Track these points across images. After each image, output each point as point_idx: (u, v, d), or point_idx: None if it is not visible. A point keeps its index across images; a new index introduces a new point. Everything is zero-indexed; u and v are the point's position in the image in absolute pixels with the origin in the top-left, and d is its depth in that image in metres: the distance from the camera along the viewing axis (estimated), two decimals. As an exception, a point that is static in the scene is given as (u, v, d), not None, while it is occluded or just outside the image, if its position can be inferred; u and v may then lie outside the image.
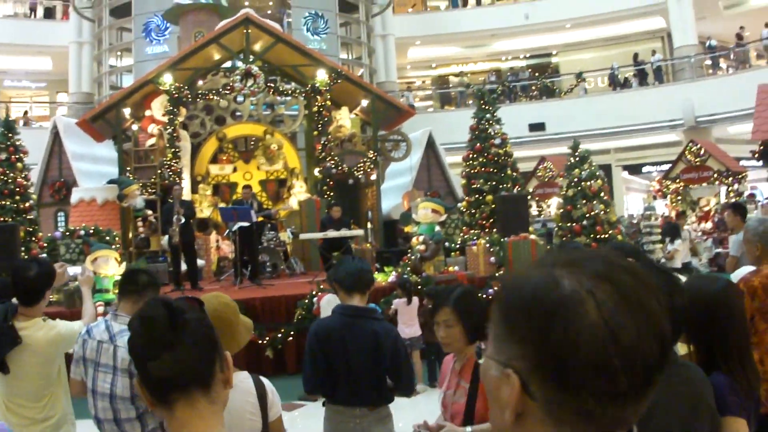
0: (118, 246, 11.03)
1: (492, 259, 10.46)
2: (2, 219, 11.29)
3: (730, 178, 17.20)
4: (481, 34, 27.07)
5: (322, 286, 8.67)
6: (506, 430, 0.83)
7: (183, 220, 10.38)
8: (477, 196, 13.11)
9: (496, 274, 10.15)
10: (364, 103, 15.19)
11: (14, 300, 3.49)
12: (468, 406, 2.71)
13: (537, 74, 27.20)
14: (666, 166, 20.53)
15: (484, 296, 9.48)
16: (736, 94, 19.36)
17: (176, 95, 13.79)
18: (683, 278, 2.45)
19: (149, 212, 13.28)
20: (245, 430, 2.44)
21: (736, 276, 3.76)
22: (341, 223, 11.90)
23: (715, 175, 17.38)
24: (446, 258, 11.09)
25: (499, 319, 0.86)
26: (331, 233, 11.54)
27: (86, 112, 16.95)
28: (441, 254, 10.79)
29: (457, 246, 11.61)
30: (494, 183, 13.03)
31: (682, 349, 2.30)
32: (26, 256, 10.14)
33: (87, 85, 24.88)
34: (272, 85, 14.48)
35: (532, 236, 11.10)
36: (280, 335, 8.73)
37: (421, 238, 10.39)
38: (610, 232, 11.37)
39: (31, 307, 3.45)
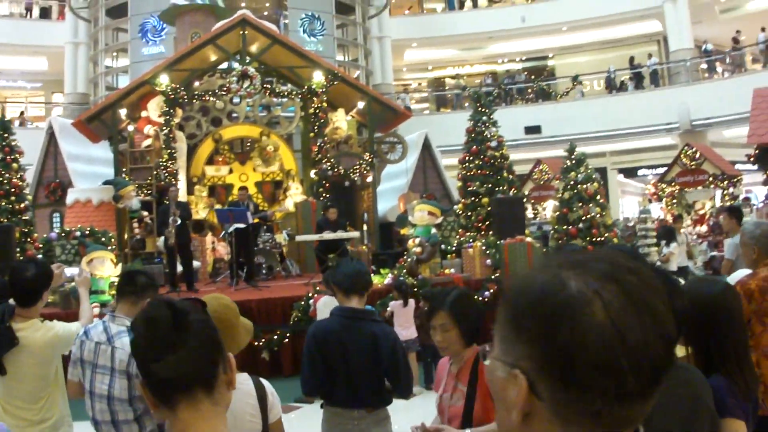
0: (113, 247, 11.00)
1: (488, 261, 10.47)
2: (-2, 220, 11.27)
3: (726, 182, 17.23)
4: (477, 37, 27.07)
5: (318, 288, 8.65)
6: (514, 431, 0.84)
7: (179, 222, 10.36)
8: (473, 198, 13.10)
9: (492, 277, 10.16)
10: (361, 105, 15.19)
11: (11, 301, 3.47)
12: (466, 409, 2.70)
13: (533, 77, 27.19)
14: (661, 170, 20.58)
15: (480, 299, 9.50)
16: (731, 98, 19.41)
17: (172, 96, 13.77)
18: (681, 281, 2.47)
19: (145, 213, 13.26)
20: (245, 431, 2.44)
21: (732, 279, 3.77)
22: (337, 225, 11.89)
23: (711, 179, 17.41)
24: (442, 260, 11.10)
25: (505, 320, 0.86)
26: (327, 235, 11.51)
27: (82, 112, 16.88)
28: (437, 257, 10.80)
29: (453, 248, 11.63)
30: (490, 185, 13.02)
31: (680, 351, 2.31)
32: (22, 257, 10.11)
33: (83, 86, 24.79)
34: (268, 86, 14.49)
35: (528, 239, 11.11)
36: (276, 337, 8.70)
37: (417, 241, 10.39)
38: (606, 235, 11.42)
39: (28, 308, 3.44)
